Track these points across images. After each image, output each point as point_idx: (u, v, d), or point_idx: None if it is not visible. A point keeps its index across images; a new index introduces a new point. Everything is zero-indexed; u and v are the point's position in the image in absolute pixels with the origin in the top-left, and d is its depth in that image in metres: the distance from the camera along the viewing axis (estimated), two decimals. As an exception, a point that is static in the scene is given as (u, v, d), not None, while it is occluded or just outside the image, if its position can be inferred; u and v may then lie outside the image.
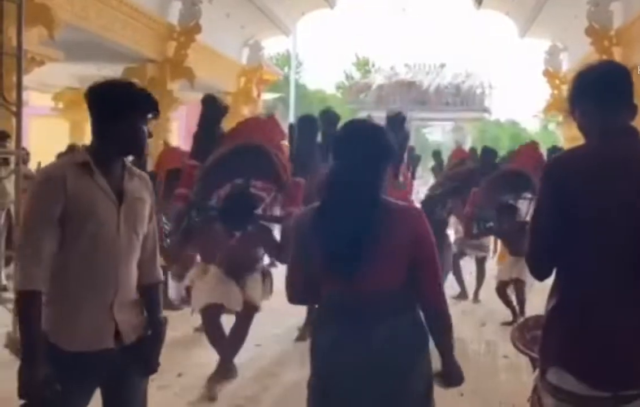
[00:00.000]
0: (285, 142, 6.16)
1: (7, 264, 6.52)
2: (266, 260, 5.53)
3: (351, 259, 2.12)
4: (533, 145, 8.25)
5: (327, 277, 2.21)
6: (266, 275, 5.24)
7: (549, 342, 2.02)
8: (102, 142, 2.31)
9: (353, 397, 2.16)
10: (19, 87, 5.39)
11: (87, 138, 10.86)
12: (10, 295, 5.70)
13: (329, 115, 6.77)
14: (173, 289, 7.16)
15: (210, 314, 4.84)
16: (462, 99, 34.97)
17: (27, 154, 10.44)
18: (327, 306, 2.27)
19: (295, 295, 2.40)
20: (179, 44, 12.94)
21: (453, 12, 53.56)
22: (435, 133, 41.41)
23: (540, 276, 2.09)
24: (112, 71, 14.05)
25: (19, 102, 5.39)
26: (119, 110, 2.29)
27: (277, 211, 5.32)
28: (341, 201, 2.19)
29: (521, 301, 7.09)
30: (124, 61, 12.69)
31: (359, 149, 2.22)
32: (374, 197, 2.21)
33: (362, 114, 36.27)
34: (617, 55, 12.58)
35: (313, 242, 2.22)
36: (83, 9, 9.99)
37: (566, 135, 17.74)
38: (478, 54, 59.47)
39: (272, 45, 21.86)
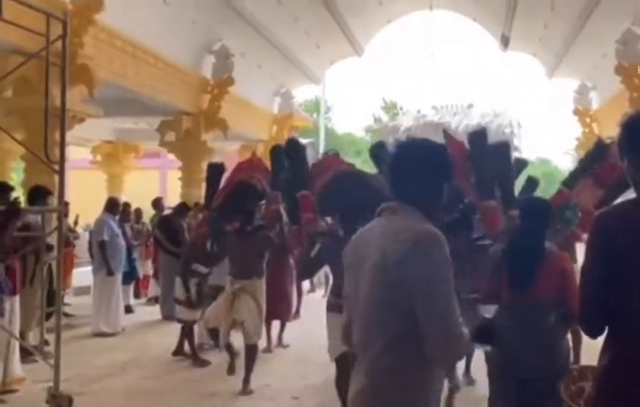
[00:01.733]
0: None
1: (47, 318, 6.63)
2: None
3: (527, 280, 3.73)
4: None
5: (510, 289, 3.80)
6: None
7: (602, 398, 2.00)
8: (438, 207, 2.29)
9: (518, 357, 3.62)
10: (62, 146, 5.40)
11: (124, 191, 11.18)
12: (51, 349, 5.80)
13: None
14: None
15: (345, 363, 4.60)
16: (490, 139, 34.86)
17: (67, 204, 10.75)
18: (507, 305, 3.80)
19: (487, 293, 4.07)
20: (212, 96, 13.26)
21: (479, 54, 53.69)
22: (465, 173, 41.05)
23: (592, 333, 2.06)
24: (147, 124, 14.56)
25: (62, 161, 5.40)
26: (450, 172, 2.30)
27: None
28: (522, 247, 3.84)
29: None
30: (160, 114, 13.07)
31: (534, 217, 3.89)
32: (542, 246, 3.83)
33: (390, 156, 36.52)
34: (649, 92, 12.52)
35: (503, 267, 3.89)
36: (122, 67, 10.33)
37: (599, 174, 17.51)
38: (506, 93, 59.48)
39: (302, 91, 22.21)
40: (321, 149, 39.10)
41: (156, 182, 22.77)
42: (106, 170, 17.46)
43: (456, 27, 20.36)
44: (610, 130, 15.76)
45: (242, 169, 7.38)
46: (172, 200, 15.59)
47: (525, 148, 39.13)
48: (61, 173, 5.42)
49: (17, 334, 6.15)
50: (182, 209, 10.12)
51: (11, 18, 5.34)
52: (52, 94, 5.71)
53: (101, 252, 9.00)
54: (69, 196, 22.33)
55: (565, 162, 46.93)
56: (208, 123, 13.31)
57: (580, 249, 7.83)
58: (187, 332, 7.57)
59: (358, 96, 71.76)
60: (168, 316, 9.81)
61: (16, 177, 15.11)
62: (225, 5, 11.74)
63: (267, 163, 7.74)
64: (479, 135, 6.39)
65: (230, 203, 6.96)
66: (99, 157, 17.41)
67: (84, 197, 18.79)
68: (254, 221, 6.58)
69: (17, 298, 6.07)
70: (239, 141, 16.78)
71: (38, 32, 5.30)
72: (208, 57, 13.20)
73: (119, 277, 9.28)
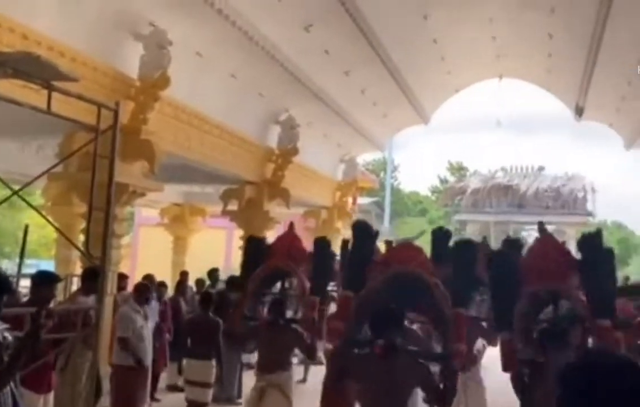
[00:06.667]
0: None
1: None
2: None
3: None
4: None
5: None
6: None
7: None
8: None
9: None
10: (104, 244, 5.22)
11: (189, 252, 10.78)
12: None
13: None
14: None
15: None
16: (562, 202, 33.90)
17: (126, 278, 10.62)
18: None
19: None
20: (276, 166, 13.22)
21: (551, 121, 52.42)
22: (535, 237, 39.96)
23: None
24: (213, 189, 14.69)
25: (104, 257, 5.23)
26: None
27: (436, 348, 5.12)
28: None
29: None
30: (224, 182, 13.13)
31: None
32: None
33: (456, 218, 35.87)
34: None
35: None
36: (186, 139, 10.40)
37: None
38: (579, 158, 57.88)
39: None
40: (387, 209, 38.98)
41: (222, 242, 22.91)
42: (173, 232, 17.68)
43: (526, 93, 19.88)
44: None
45: (282, 251, 6.99)
46: (237, 261, 15.55)
47: (600, 211, 37.76)
48: (102, 269, 5.24)
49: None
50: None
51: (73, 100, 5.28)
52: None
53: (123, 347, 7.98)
54: (138, 250, 22.74)
55: (642, 227, 44.98)
56: (271, 192, 13.27)
57: None
58: None
59: (424, 155, 71.35)
60: (222, 399, 9.44)
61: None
62: (293, 78, 11.74)
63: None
64: (593, 239, 5.13)
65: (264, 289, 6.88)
66: (166, 220, 17.64)
67: (154, 253, 19.15)
68: (285, 312, 6.48)
69: (50, 395, 5.84)
70: (302, 207, 16.70)
71: (89, 124, 5.27)
72: (274, 128, 13.22)
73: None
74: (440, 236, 6.36)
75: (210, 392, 7.69)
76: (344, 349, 4.62)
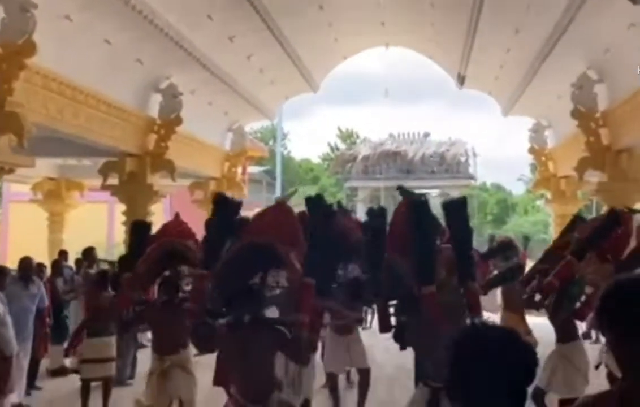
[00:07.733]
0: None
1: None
2: None
3: None
4: None
5: None
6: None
7: None
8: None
9: None
10: None
11: (66, 229, 10.00)
12: None
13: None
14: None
15: None
16: (447, 167, 35.19)
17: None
18: None
19: None
20: (159, 137, 12.62)
21: (435, 88, 54.11)
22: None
23: None
24: (92, 162, 13.88)
25: None
26: None
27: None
28: None
29: None
30: (103, 155, 12.41)
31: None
32: None
33: (347, 185, 36.40)
34: (605, 136, 12.47)
35: None
36: (59, 111, 9.65)
37: (557, 213, 17.53)
38: (461, 123, 60.42)
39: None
40: (278, 178, 38.95)
41: (104, 217, 21.83)
42: (48, 209, 16.54)
43: (412, 61, 20.42)
44: (566, 170, 15.84)
45: (171, 233, 6.61)
46: (120, 237, 14.86)
47: (481, 174, 39.70)
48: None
49: None
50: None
51: None
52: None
53: None
54: (9, 230, 21.16)
55: (518, 188, 47.86)
56: (154, 164, 12.65)
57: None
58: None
59: (315, 123, 71.69)
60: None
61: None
62: (174, 44, 11.17)
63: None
64: (422, 204, 4.98)
65: (158, 269, 6.45)
66: (40, 195, 16.46)
67: (27, 231, 17.86)
68: (178, 291, 6.26)
69: None
70: (188, 179, 16.17)
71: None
72: (155, 96, 12.58)
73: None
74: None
75: (113, 366, 7.69)
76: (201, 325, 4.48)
